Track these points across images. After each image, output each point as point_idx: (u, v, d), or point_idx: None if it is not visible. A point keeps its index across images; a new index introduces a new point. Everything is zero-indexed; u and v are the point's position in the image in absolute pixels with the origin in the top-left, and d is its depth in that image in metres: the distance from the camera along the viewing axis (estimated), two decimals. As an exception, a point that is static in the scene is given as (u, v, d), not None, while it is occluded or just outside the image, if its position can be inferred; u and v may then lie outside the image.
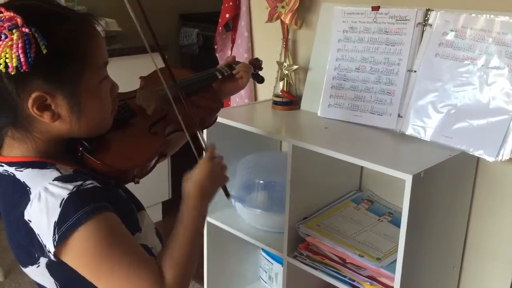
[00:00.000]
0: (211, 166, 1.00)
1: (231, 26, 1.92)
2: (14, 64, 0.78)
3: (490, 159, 1.23)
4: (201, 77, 1.24)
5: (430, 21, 1.37)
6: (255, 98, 1.92)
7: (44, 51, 0.79)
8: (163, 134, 1.05)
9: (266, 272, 1.85)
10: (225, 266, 1.79)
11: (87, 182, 0.84)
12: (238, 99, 1.92)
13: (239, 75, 1.29)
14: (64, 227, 0.80)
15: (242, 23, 1.86)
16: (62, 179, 0.84)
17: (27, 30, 0.78)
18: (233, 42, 1.92)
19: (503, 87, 1.24)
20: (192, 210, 0.96)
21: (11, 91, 0.82)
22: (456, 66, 1.31)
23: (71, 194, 0.81)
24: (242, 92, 1.90)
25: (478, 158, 1.34)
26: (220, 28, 1.91)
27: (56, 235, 0.80)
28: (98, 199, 0.84)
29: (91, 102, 0.88)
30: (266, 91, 1.83)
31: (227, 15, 1.86)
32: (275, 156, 1.74)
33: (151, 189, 2.78)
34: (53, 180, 0.83)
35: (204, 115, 1.16)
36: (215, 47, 1.98)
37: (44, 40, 0.79)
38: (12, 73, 0.79)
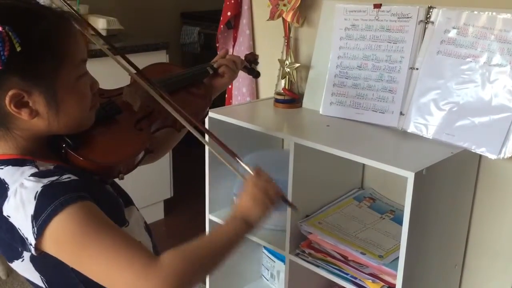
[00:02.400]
0: (255, 192, 0.99)
1: (233, 24, 1.92)
2: None
3: (492, 156, 1.23)
4: (191, 73, 1.25)
5: (432, 19, 1.36)
6: (257, 96, 1.91)
7: (18, 49, 0.79)
8: (148, 131, 1.06)
9: (268, 270, 1.85)
10: (227, 264, 1.78)
11: (64, 177, 0.85)
12: (240, 97, 1.92)
13: (221, 71, 1.29)
14: (41, 219, 0.81)
15: (244, 21, 1.86)
16: (38, 174, 0.85)
17: (0, 28, 0.78)
18: (234, 40, 1.92)
19: (505, 85, 1.24)
20: (229, 228, 0.95)
21: None
22: (458, 64, 1.31)
23: (44, 187, 0.82)
24: (244, 90, 1.90)
25: (480, 156, 1.34)
26: (221, 26, 1.91)
27: (35, 228, 0.81)
28: (74, 190, 0.84)
29: (68, 98, 0.88)
30: (268, 89, 1.83)
31: (229, 13, 1.86)
32: (277, 154, 1.74)
33: (152, 187, 2.79)
34: (29, 176, 0.84)
35: (192, 111, 1.16)
36: (217, 45, 1.98)
37: (18, 38, 0.79)
38: None
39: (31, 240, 0.82)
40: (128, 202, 1.04)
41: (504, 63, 1.24)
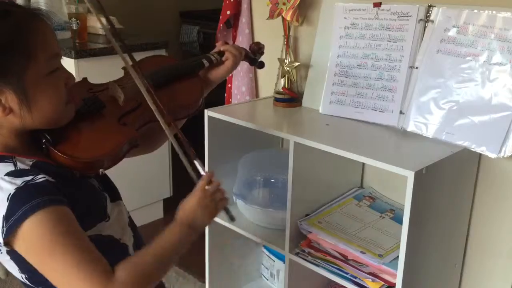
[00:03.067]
0: (202, 197, 1.01)
1: (232, 23, 1.92)
2: None
3: (492, 155, 1.23)
4: (185, 65, 1.23)
5: (432, 17, 1.36)
6: (257, 95, 1.91)
7: None
8: (132, 125, 1.05)
9: (267, 269, 1.85)
10: (226, 263, 1.79)
11: (38, 177, 0.86)
12: (239, 96, 1.92)
13: (226, 57, 1.27)
14: (11, 221, 0.82)
15: (243, 20, 1.86)
16: (13, 173, 0.86)
17: None
18: (234, 39, 1.92)
19: (505, 83, 1.23)
20: (174, 234, 0.97)
21: None
22: (458, 63, 1.31)
23: (17, 189, 0.84)
24: (243, 89, 1.90)
25: (480, 155, 1.34)
26: (221, 25, 1.91)
27: (4, 228, 0.83)
28: (47, 193, 0.85)
29: (40, 94, 0.89)
30: (268, 88, 1.83)
31: (228, 12, 1.86)
32: (277, 153, 1.73)
33: (152, 186, 2.79)
34: (4, 175, 0.85)
35: (180, 104, 1.15)
36: (216, 44, 1.98)
37: None
38: None
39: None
40: (115, 197, 1.05)
41: (504, 62, 1.24)
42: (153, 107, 1.01)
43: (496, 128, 1.23)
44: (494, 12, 1.25)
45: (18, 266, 0.92)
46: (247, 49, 1.42)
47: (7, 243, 0.85)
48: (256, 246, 1.83)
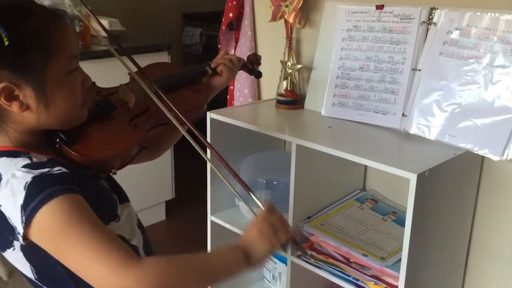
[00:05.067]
0: (263, 227, 0.96)
1: (235, 26, 1.92)
2: None
3: (495, 158, 1.23)
4: (190, 72, 1.27)
5: (434, 20, 1.36)
6: (259, 97, 1.91)
7: (6, 43, 0.82)
8: (143, 128, 1.08)
9: (269, 272, 1.84)
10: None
11: (55, 169, 0.87)
12: (242, 98, 1.92)
13: (219, 70, 1.32)
14: (29, 209, 0.82)
15: (246, 22, 1.86)
16: (30, 166, 0.87)
17: None
18: (236, 41, 1.92)
19: (508, 86, 1.23)
20: (226, 254, 0.94)
21: None
22: (460, 65, 1.31)
23: (34, 178, 0.84)
24: (246, 91, 1.90)
25: (483, 157, 1.33)
26: (223, 27, 1.91)
27: (23, 217, 0.83)
28: (63, 182, 0.85)
29: (57, 93, 0.90)
30: (270, 90, 1.83)
31: (231, 14, 1.86)
32: (279, 155, 1.73)
33: (154, 188, 2.79)
34: (21, 167, 0.86)
35: (187, 109, 1.17)
36: (219, 46, 1.98)
37: (6, 33, 0.82)
38: None
39: (20, 229, 0.84)
40: (123, 199, 1.05)
41: (507, 64, 1.23)
42: (167, 112, 1.05)
43: (499, 131, 1.23)
44: (497, 14, 1.25)
45: (29, 262, 0.92)
46: (245, 59, 1.46)
47: (25, 234, 0.84)
48: (258, 248, 1.83)
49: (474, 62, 1.29)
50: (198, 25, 3.79)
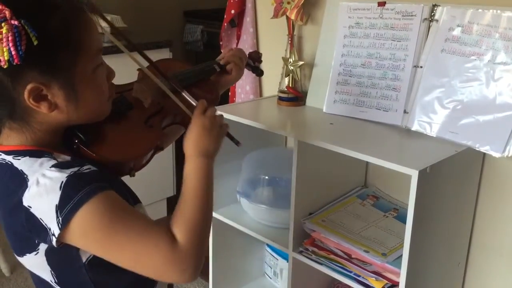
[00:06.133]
0: (203, 121, 0.99)
1: (236, 22, 1.92)
2: (6, 58, 0.77)
3: (497, 154, 1.23)
4: (199, 69, 1.25)
5: (436, 17, 1.36)
6: (260, 94, 1.92)
7: (35, 42, 0.78)
8: (159, 127, 1.06)
9: (271, 268, 1.85)
10: (230, 261, 1.79)
11: (84, 167, 0.86)
12: (244, 95, 1.93)
13: (229, 68, 1.29)
14: (67, 209, 0.80)
15: (248, 19, 1.86)
16: (59, 165, 0.85)
17: (16, 22, 0.77)
18: (238, 38, 1.92)
19: (509, 83, 1.23)
20: (196, 171, 0.95)
21: (6, 85, 0.82)
22: (462, 62, 1.31)
23: (69, 177, 0.82)
24: (247, 88, 1.90)
25: (484, 154, 1.34)
26: (225, 24, 1.91)
27: (60, 218, 0.81)
28: (97, 180, 0.84)
29: (87, 89, 0.88)
30: (272, 87, 1.83)
31: (233, 11, 1.86)
32: (281, 152, 1.74)
33: (155, 185, 2.80)
34: (50, 167, 0.84)
35: None
36: (220, 43, 1.98)
37: (34, 31, 0.78)
38: (5, 67, 0.78)
39: (55, 230, 0.81)
40: (136, 200, 1.04)
41: (508, 61, 1.23)
42: (182, 106, 1.03)
43: (500, 128, 1.23)
44: (498, 11, 1.25)
45: (51, 266, 0.90)
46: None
47: (60, 235, 0.82)
48: (259, 245, 1.83)
49: (475, 59, 1.29)
50: (199, 22, 3.79)
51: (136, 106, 1.06)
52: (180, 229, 0.86)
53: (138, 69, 1.15)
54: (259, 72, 1.50)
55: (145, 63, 1.07)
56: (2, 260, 2.40)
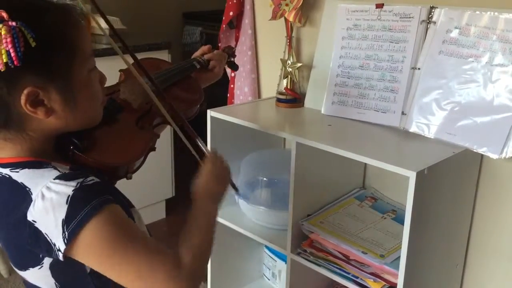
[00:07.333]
0: (213, 167, 1.03)
1: (235, 24, 1.92)
2: (4, 60, 0.75)
3: (494, 156, 1.24)
4: (180, 67, 1.26)
5: (434, 19, 1.37)
6: (259, 96, 1.92)
7: (33, 44, 0.76)
8: (150, 128, 1.06)
9: (269, 269, 1.85)
10: (228, 263, 1.79)
11: (88, 179, 0.83)
12: (242, 96, 1.93)
13: (212, 65, 1.33)
14: (73, 224, 0.79)
15: (246, 21, 1.86)
16: (63, 177, 0.82)
17: (13, 23, 0.75)
18: (237, 40, 1.92)
19: (507, 85, 1.24)
20: (205, 214, 0.98)
21: (1, 90, 0.79)
22: (460, 64, 1.31)
23: (75, 191, 0.80)
24: (246, 89, 1.90)
25: (482, 156, 1.34)
26: (224, 26, 1.91)
27: (66, 233, 0.79)
28: (103, 193, 0.83)
29: (83, 93, 0.87)
30: (270, 88, 1.83)
31: (231, 13, 1.87)
32: (279, 154, 1.74)
33: (154, 187, 2.79)
34: (54, 179, 0.81)
35: (186, 106, 1.18)
36: (219, 45, 1.99)
37: (32, 33, 0.76)
38: (2, 70, 0.76)
39: (60, 245, 0.80)
40: (130, 204, 1.03)
41: (506, 63, 1.24)
42: (163, 109, 1.05)
43: (498, 129, 1.23)
44: (496, 13, 1.26)
45: (55, 279, 0.88)
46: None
47: (66, 250, 0.80)
48: (257, 246, 1.83)
49: (473, 61, 1.29)
50: (198, 24, 3.79)
51: (126, 108, 1.06)
52: (186, 252, 0.89)
53: (120, 70, 1.16)
54: (235, 67, 1.53)
55: (130, 63, 1.08)
56: (0, 262, 2.40)
